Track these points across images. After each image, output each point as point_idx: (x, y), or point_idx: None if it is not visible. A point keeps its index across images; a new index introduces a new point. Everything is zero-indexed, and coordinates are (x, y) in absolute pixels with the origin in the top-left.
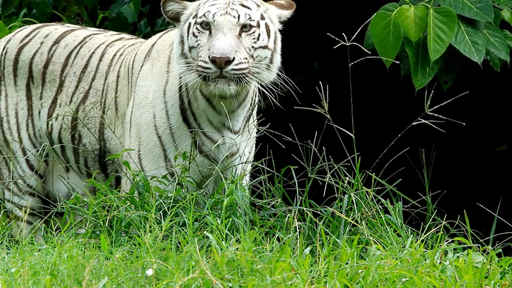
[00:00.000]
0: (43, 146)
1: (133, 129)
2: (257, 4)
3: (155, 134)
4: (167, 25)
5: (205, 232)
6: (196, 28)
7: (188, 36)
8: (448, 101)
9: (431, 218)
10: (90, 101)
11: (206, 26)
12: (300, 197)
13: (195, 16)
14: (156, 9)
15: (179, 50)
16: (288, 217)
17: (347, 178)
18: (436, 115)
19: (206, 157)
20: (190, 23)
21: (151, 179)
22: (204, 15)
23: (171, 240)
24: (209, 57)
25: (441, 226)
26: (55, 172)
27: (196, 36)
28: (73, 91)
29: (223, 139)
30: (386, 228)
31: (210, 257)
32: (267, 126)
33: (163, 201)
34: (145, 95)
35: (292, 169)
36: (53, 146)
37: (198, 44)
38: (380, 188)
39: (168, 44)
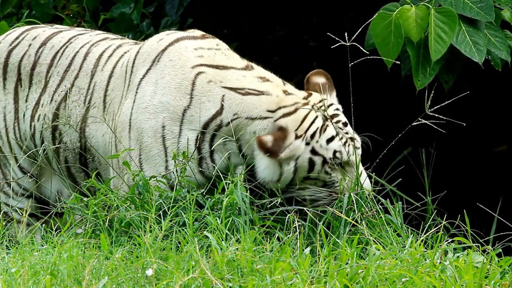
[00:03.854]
0: (34, 151)
1: (133, 131)
2: None
3: (162, 144)
4: (170, 26)
5: (205, 232)
6: (329, 167)
7: (310, 170)
8: (448, 101)
9: (431, 218)
10: (72, 99)
11: (336, 164)
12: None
13: (316, 153)
14: (160, 10)
15: (289, 178)
16: (288, 217)
17: (347, 178)
18: (436, 115)
19: (207, 178)
20: (311, 159)
21: (149, 179)
22: (336, 157)
23: (171, 240)
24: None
25: (441, 226)
26: (46, 173)
27: (330, 174)
28: (54, 90)
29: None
30: (386, 228)
31: (210, 257)
32: None
33: (163, 201)
34: (150, 101)
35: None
36: (36, 148)
37: (332, 181)
38: (380, 188)
39: (188, 62)
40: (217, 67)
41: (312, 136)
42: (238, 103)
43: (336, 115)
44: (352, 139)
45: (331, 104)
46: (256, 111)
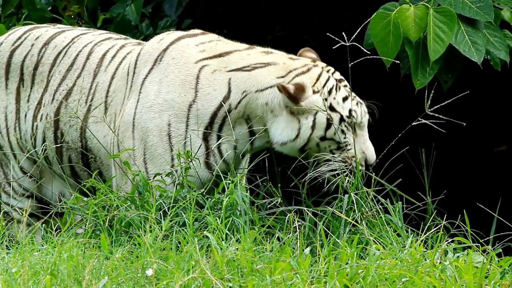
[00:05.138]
0: (31, 151)
1: (137, 131)
2: None
3: (168, 142)
4: (169, 27)
5: (205, 232)
6: (345, 126)
7: (327, 128)
8: (448, 101)
9: (431, 218)
10: (73, 99)
11: (351, 124)
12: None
13: (333, 109)
14: (158, 10)
15: (307, 135)
16: (288, 217)
17: (347, 178)
18: (436, 115)
19: (212, 173)
20: (329, 115)
21: (154, 177)
22: (352, 115)
23: (171, 240)
24: (365, 161)
25: (441, 226)
26: (47, 174)
27: (345, 134)
28: (55, 89)
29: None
30: (386, 228)
31: (210, 257)
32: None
33: (163, 201)
34: (155, 100)
35: (291, 168)
36: (37, 148)
37: (345, 143)
38: (380, 188)
39: (191, 58)
40: (220, 55)
41: (329, 92)
42: (246, 79)
43: (343, 79)
44: (361, 102)
45: (335, 70)
46: (265, 81)
